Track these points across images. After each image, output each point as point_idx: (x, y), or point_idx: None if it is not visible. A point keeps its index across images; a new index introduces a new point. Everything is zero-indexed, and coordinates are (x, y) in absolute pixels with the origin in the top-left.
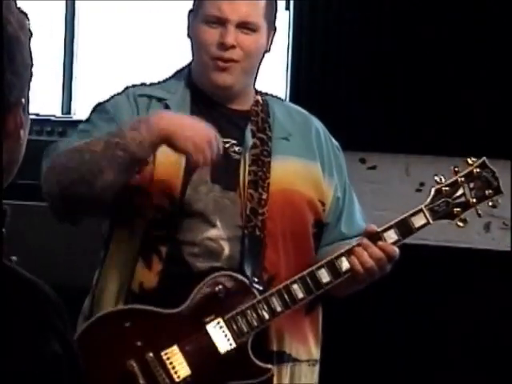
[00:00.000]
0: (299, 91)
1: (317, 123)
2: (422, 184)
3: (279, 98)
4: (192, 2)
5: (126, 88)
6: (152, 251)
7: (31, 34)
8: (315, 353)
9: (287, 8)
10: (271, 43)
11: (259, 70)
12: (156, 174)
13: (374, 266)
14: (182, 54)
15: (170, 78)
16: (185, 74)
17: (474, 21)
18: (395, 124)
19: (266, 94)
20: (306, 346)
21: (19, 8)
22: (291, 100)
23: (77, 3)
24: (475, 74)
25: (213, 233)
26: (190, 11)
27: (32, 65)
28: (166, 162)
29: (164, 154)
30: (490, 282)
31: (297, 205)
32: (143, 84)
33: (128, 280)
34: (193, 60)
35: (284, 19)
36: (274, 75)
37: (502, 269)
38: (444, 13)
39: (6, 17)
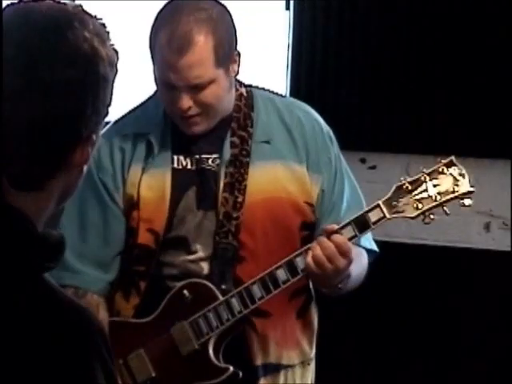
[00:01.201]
0: (299, 91)
1: (300, 114)
2: None
3: (265, 90)
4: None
5: (109, 128)
6: (131, 285)
7: (116, 71)
8: (309, 352)
9: (287, 8)
10: (239, 65)
11: (238, 73)
12: (141, 212)
13: (323, 258)
14: None
15: (150, 98)
16: None
17: (474, 21)
18: (395, 124)
19: (252, 86)
20: (299, 350)
21: (112, 45)
22: None
23: (76, 3)
24: (475, 74)
25: (192, 255)
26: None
27: (110, 103)
28: (150, 198)
29: (147, 190)
30: (490, 281)
31: (279, 211)
32: (127, 114)
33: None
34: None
35: (284, 19)
36: (273, 74)
37: (502, 269)
38: (444, 13)
39: (101, 54)
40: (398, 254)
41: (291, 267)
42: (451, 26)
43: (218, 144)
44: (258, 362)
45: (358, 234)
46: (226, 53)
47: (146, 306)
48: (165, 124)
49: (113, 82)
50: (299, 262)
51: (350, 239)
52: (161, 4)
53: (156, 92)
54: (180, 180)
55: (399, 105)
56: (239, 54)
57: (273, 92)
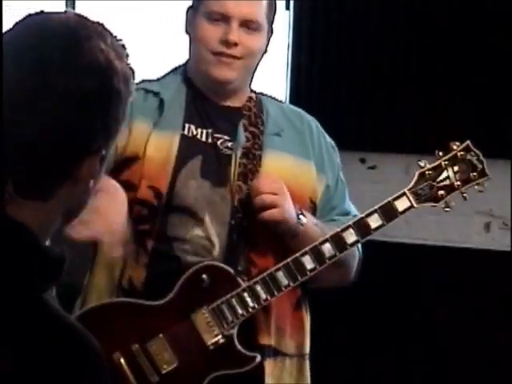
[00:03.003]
0: (299, 91)
1: (310, 121)
2: None
3: (273, 98)
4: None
5: None
6: (138, 245)
7: (131, 93)
8: (305, 347)
9: (287, 8)
10: (268, 44)
11: (256, 71)
12: (145, 169)
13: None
14: (181, 52)
15: (167, 74)
16: (181, 71)
17: (474, 21)
18: (395, 124)
19: (260, 93)
20: (294, 340)
21: (129, 64)
22: (291, 100)
23: (77, 3)
24: (475, 74)
25: (203, 230)
26: (189, 8)
27: (122, 122)
28: (156, 158)
29: (154, 149)
30: (490, 281)
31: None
32: (143, 81)
33: (118, 277)
34: (190, 56)
35: (284, 19)
36: (274, 75)
37: (502, 269)
38: (444, 13)
39: (116, 68)
40: (398, 254)
41: (318, 254)
42: (451, 26)
43: (230, 127)
44: (264, 341)
45: (385, 223)
46: (272, 14)
47: (159, 268)
48: (179, 91)
49: (126, 101)
50: (325, 250)
51: (377, 229)
52: (161, 6)
53: (175, 68)
54: (187, 147)
55: (399, 105)
56: (273, 32)
57: (281, 101)
